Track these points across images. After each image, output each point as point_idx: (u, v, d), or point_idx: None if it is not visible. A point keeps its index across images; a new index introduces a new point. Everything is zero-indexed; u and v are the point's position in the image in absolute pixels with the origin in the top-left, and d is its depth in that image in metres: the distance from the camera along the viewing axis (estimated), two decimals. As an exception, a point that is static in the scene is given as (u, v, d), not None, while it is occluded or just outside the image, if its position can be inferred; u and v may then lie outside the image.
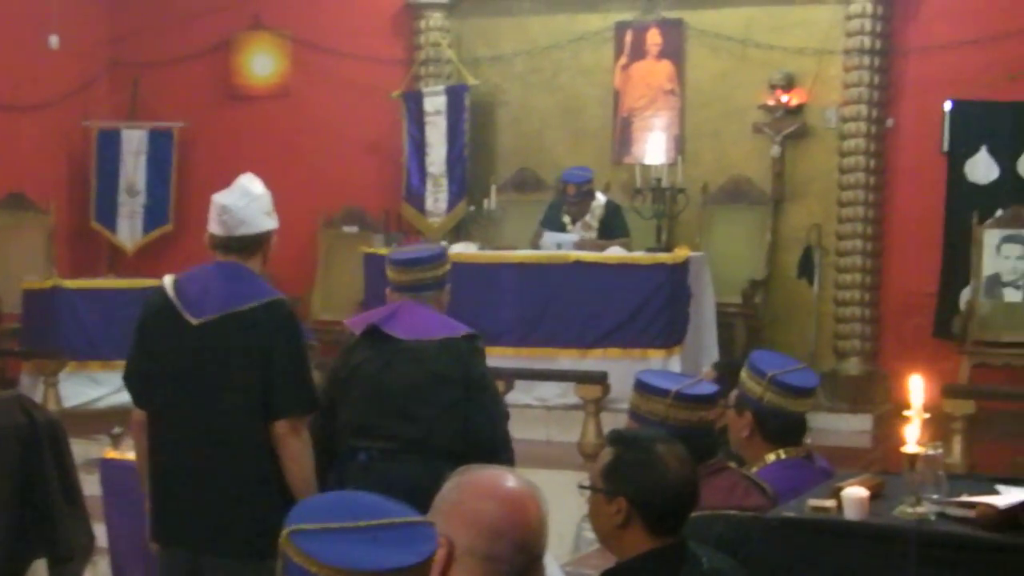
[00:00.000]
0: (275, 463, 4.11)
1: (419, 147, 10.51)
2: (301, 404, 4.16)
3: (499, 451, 4.59)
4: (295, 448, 4.11)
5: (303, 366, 4.17)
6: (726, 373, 4.99)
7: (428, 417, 4.57)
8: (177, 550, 4.23)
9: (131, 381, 4.36)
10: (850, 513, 3.13)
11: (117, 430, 6.06)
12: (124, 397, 9.53)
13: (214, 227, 4.24)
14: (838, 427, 9.06)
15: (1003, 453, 7.98)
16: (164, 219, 11.31)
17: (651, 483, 3.15)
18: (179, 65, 11.35)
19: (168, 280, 4.26)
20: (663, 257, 8.71)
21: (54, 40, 10.82)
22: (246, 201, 4.22)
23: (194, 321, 4.16)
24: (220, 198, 4.24)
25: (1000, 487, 3.35)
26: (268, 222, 4.26)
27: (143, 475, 4.35)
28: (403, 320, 4.74)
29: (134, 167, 11.20)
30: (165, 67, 11.36)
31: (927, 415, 3.19)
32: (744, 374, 4.30)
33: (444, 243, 5.46)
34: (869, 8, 9.57)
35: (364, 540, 2.01)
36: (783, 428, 4.20)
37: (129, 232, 11.30)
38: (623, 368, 7.80)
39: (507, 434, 4.75)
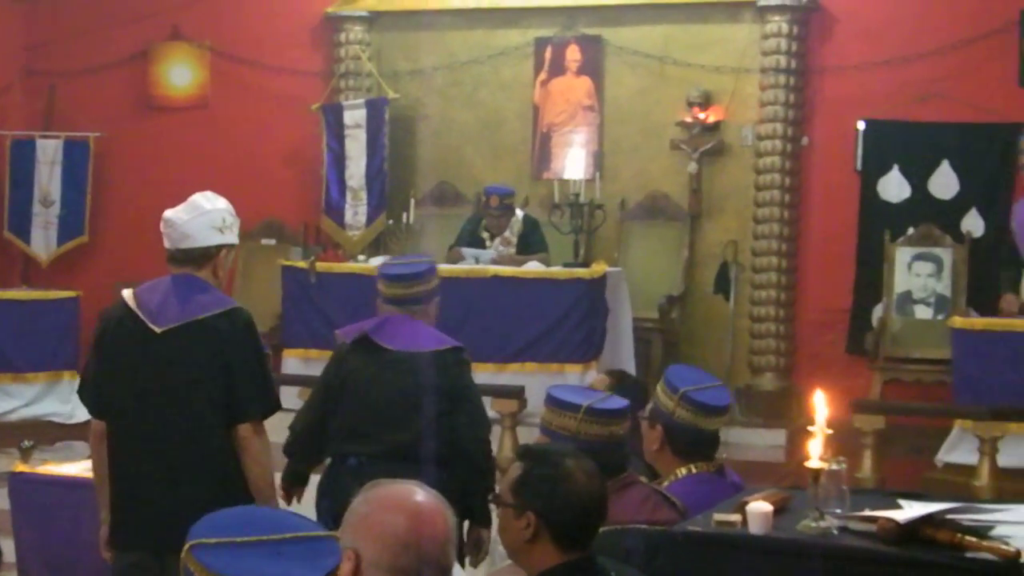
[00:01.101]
0: (237, 463, 4.27)
1: (339, 160, 10.48)
2: (263, 407, 4.33)
3: (481, 459, 4.94)
4: (257, 449, 4.28)
5: (264, 370, 4.36)
6: (625, 384, 5.18)
7: (417, 425, 4.80)
8: (141, 554, 4.31)
9: (88, 393, 4.46)
10: (754, 527, 3.17)
11: (27, 443, 5.99)
12: (35, 410, 9.54)
13: (164, 240, 4.42)
14: (753, 442, 9.14)
15: (913, 468, 8.11)
16: (79, 230, 11.18)
17: (559, 498, 3.17)
18: (96, 74, 11.23)
19: (127, 293, 4.40)
20: (580, 272, 8.76)
21: (-33, 48, 10.69)
22: (191, 216, 4.37)
23: (157, 329, 4.29)
24: (167, 213, 4.40)
25: (903, 502, 3.41)
26: (216, 237, 4.38)
27: (101, 486, 4.44)
28: (393, 331, 4.99)
29: (49, 177, 11.06)
30: (81, 76, 11.24)
31: (831, 431, 3.24)
32: (659, 388, 4.34)
33: (430, 257, 5.67)
34: (785, 28, 9.70)
35: (267, 554, 2.02)
36: (693, 444, 4.23)
37: (43, 242, 11.15)
38: (540, 382, 7.78)
39: (489, 443, 5.09)
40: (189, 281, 4.35)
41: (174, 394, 4.27)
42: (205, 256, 4.37)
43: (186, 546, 2.02)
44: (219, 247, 4.39)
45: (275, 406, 4.41)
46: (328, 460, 4.98)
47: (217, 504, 4.06)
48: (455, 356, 4.99)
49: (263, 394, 4.34)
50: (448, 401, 4.89)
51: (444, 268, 8.84)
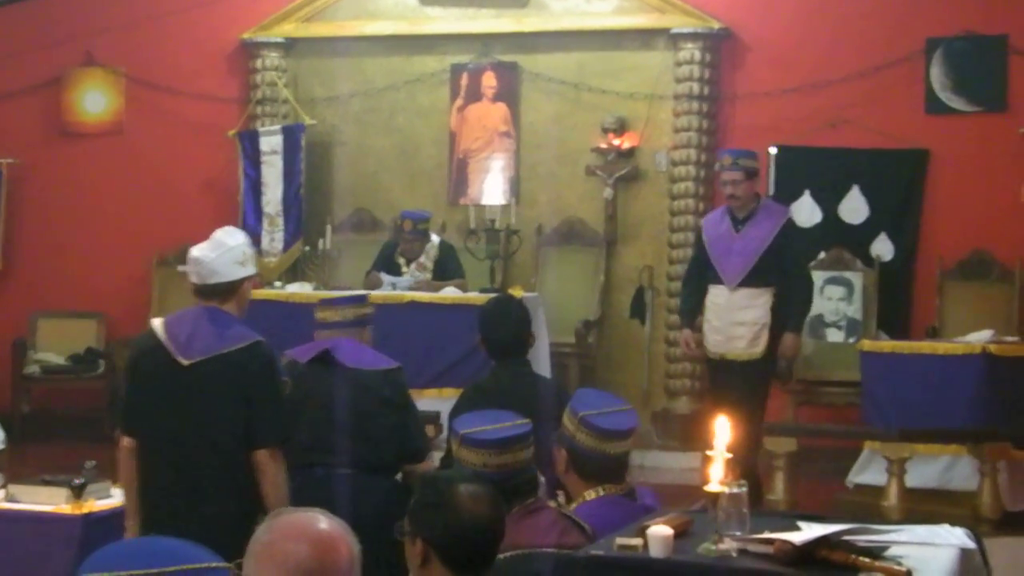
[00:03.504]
0: (255, 485, 4.57)
1: (255, 186, 10.47)
2: (279, 434, 4.66)
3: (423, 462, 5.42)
4: (273, 473, 4.59)
5: (280, 400, 4.69)
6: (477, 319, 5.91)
7: (375, 436, 5.20)
8: None
9: (121, 411, 4.86)
10: (655, 551, 3.21)
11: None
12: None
13: (191, 276, 4.71)
14: (670, 465, 9.24)
15: (825, 490, 8.22)
16: (-8, 258, 11.08)
17: (442, 524, 3.20)
18: (8, 101, 11.11)
19: (157, 323, 4.73)
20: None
21: None
22: (217, 253, 4.66)
23: (185, 362, 4.60)
24: (194, 250, 4.70)
25: (802, 523, 3.48)
26: (240, 271, 4.70)
27: (128, 497, 4.77)
28: (345, 352, 5.38)
29: (-39, 205, 10.94)
30: (-6, 102, 11.15)
31: (731, 455, 3.30)
32: (565, 412, 4.39)
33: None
34: (697, 55, 9.84)
35: (154, 588, 2.02)
36: (597, 467, 4.26)
37: (-45, 271, 11.03)
38: (457, 408, 7.87)
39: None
40: (215, 315, 4.66)
41: (199, 421, 4.60)
42: (230, 290, 4.68)
43: (74, 579, 2.03)
44: (242, 280, 4.71)
45: (290, 433, 4.76)
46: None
47: (236, 522, 4.32)
48: (399, 374, 5.41)
49: (280, 422, 4.66)
50: (399, 414, 5.30)
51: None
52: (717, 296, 8.09)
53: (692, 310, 8.26)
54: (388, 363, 5.43)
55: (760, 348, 7.95)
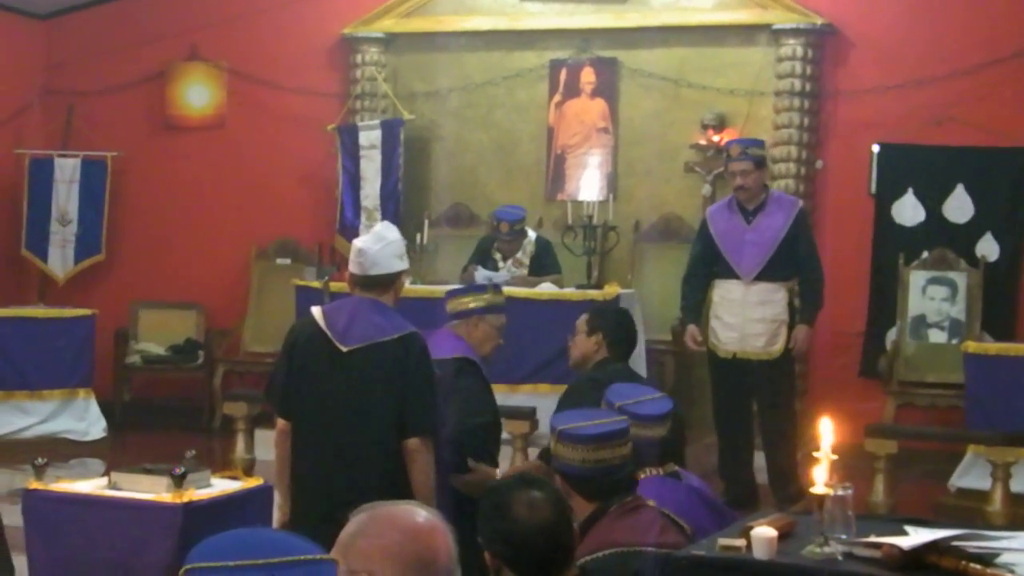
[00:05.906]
0: (405, 473, 4.69)
1: (353, 180, 10.53)
2: (431, 423, 4.77)
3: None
4: (424, 462, 4.70)
5: (433, 391, 4.79)
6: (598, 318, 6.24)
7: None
8: None
9: (276, 395, 4.96)
10: (759, 553, 3.17)
11: (41, 460, 6.00)
12: (51, 427, 9.61)
13: (352, 267, 4.88)
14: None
15: (926, 493, 8.09)
16: (96, 249, 11.24)
17: (501, 535, 3.22)
18: (114, 94, 11.30)
19: (317, 311, 4.89)
20: (593, 294, 8.77)
21: (-13, 67, 10.76)
22: (380, 246, 4.81)
23: (344, 349, 4.75)
24: (358, 242, 4.88)
25: (909, 528, 3.41)
26: (399, 264, 4.87)
27: (281, 478, 4.94)
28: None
29: (66, 196, 11.12)
30: (100, 96, 11.31)
31: (836, 456, 3.24)
32: (602, 404, 4.54)
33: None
34: (799, 51, 9.72)
35: (260, 579, 2.03)
36: (637, 451, 4.27)
37: (60, 261, 11.21)
38: (552, 404, 7.81)
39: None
40: (374, 305, 4.80)
41: (354, 407, 4.74)
42: (389, 282, 4.84)
43: (182, 570, 2.03)
44: (399, 273, 4.88)
45: (440, 424, 4.83)
46: None
47: None
48: (456, 364, 5.36)
49: (432, 413, 4.76)
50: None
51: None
52: (730, 291, 7.92)
53: (696, 306, 8.07)
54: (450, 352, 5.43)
55: (779, 346, 7.83)
